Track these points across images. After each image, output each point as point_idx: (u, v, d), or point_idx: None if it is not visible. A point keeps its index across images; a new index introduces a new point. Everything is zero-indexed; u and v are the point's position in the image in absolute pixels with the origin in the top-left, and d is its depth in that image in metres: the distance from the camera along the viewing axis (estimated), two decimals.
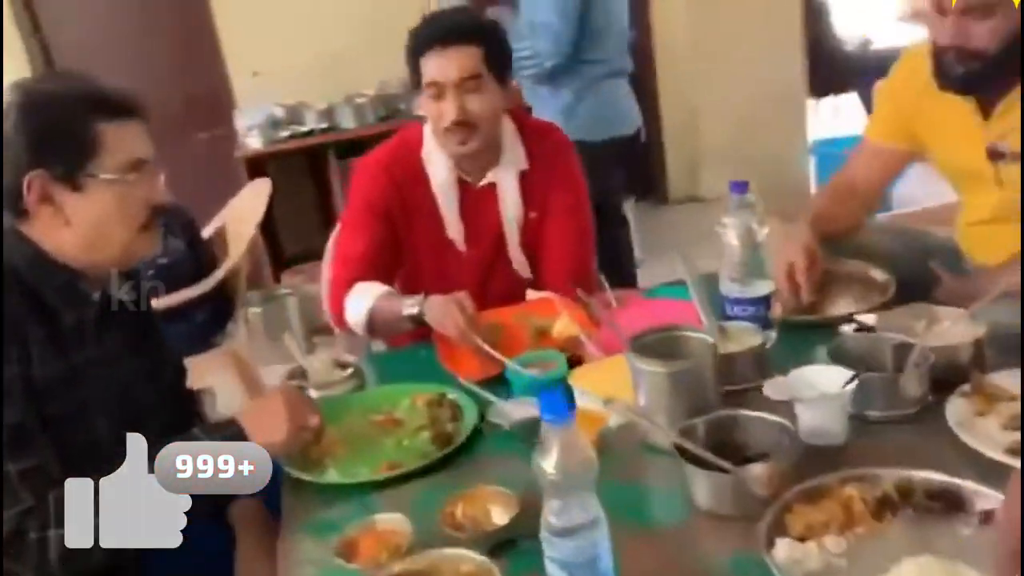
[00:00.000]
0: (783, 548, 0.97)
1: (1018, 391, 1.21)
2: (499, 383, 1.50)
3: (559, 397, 0.89)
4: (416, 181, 1.82)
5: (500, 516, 1.09)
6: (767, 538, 0.98)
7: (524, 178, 1.83)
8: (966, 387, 1.23)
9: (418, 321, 1.67)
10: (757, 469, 1.05)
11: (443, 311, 1.60)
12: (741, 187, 1.48)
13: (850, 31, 5.09)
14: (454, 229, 1.84)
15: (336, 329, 1.93)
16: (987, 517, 0.98)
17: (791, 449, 1.08)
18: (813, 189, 4.82)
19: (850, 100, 5.24)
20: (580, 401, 1.34)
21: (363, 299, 1.76)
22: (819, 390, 1.15)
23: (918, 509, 1.01)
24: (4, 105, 1.22)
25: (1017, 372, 1.25)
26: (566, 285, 1.83)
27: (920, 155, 1.91)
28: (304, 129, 3.74)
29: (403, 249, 1.86)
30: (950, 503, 1.01)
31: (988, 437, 1.13)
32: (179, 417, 1.47)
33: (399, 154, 1.84)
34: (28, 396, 1.19)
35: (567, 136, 1.94)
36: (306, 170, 3.93)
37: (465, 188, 1.83)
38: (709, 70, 4.54)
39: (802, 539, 0.99)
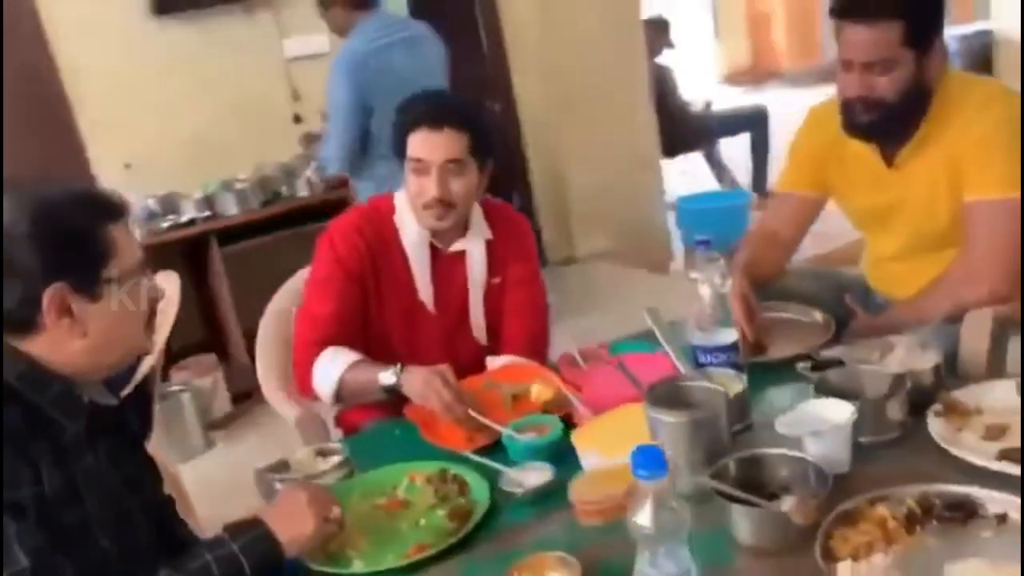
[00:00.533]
0: (844, 570, 1.05)
1: (979, 406, 1.37)
2: (488, 451, 1.52)
3: (655, 454, 0.93)
4: (388, 245, 1.87)
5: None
6: (825, 564, 1.06)
7: (488, 247, 1.91)
8: (937, 407, 1.37)
9: (393, 392, 1.68)
10: (797, 501, 1.13)
11: (426, 385, 1.61)
12: (705, 244, 1.59)
13: (693, 94, 5.52)
14: (425, 292, 1.89)
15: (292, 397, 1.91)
16: (1002, 519, 1.10)
17: (821, 479, 1.17)
18: (675, 243, 5.12)
19: (696, 159, 5.64)
20: (587, 461, 1.42)
21: (333, 365, 1.77)
22: (829, 422, 1.25)
23: (941, 520, 1.12)
24: (4, 218, 1.14)
25: (972, 390, 1.42)
26: (525, 352, 1.90)
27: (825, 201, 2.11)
28: (184, 219, 3.62)
29: (371, 312, 1.88)
30: (967, 511, 1.12)
31: (974, 448, 1.26)
32: (164, 527, 1.40)
33: (371, 218, 1.88)
34: (43, 517, 1.10)
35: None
36: (185, 261, 3.79)
37: (436, 253, 1.89)
38: (571, 138, 4.78)
39: (849, 558, 1.07)
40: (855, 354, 1.52)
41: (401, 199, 1.89)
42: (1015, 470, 1.17)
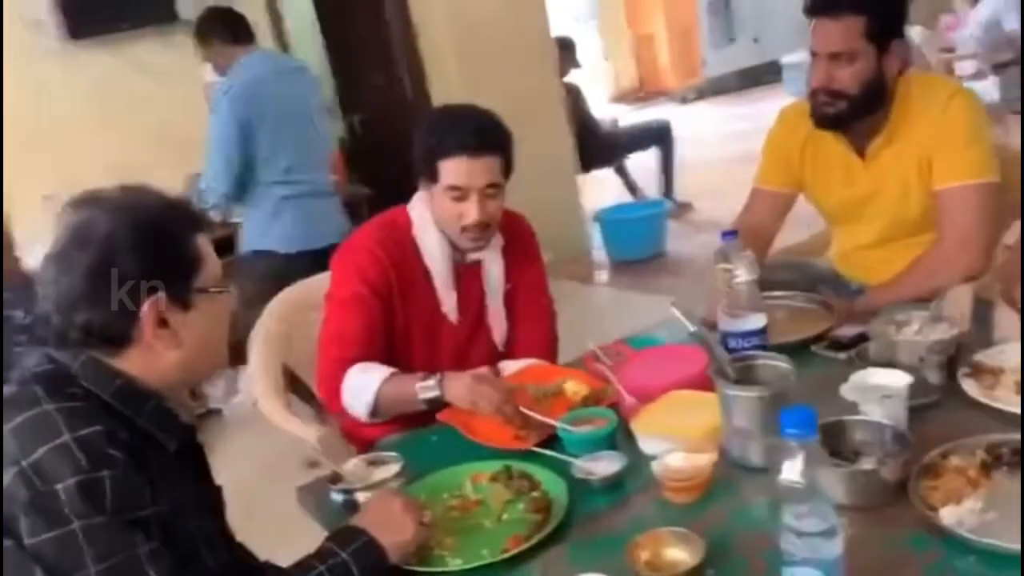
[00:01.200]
0: (948, 514, 1.14)
1: (1001, 366, 1.51)
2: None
3: (806, 415, 1.00)
4: (409, 259, 1.87)
5: (694, 553, 1.15)
6: (928, 511, 1.15)
7: (503, 254, 1.94)
8: (965, 369, 1.50)
9: (435, 403, 1.69)
10: (890, 462, 1.22)
11: (472, 390, 1.63)
12: (732, 235, 1.69)
13: (602, 113, 5.72)
14: (448, 304, 1.90)
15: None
16: None
17: (900, 439, 1.27)
18: (596, 252, 5.26)
19: (607, 173, 5.82)
20: (649, 447, 1.47)
21: (368, 381, 1.75)
22: (891, 388, 1.35)
23: (1010, 465, 1.23)
24: (104, 224, 1.11)
25: (988, 353, 1.56)
26: (540, 355, 1.94)
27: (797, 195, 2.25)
28: None
29: (396, 326, 1.87)
30: None
31: (1013, 401, 1.39)
32: (232, 544, 1.36)
33: (391, 234, 1.88)
34: (165, 537, 1.06)
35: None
36: None
37: (455, 264, 1.90)
38: None
39: (943, 505, 1.17)
40: (875, 330, 1.63)
41: (419, 214, 1.89)
42: None
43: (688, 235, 5.27)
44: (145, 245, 1.11)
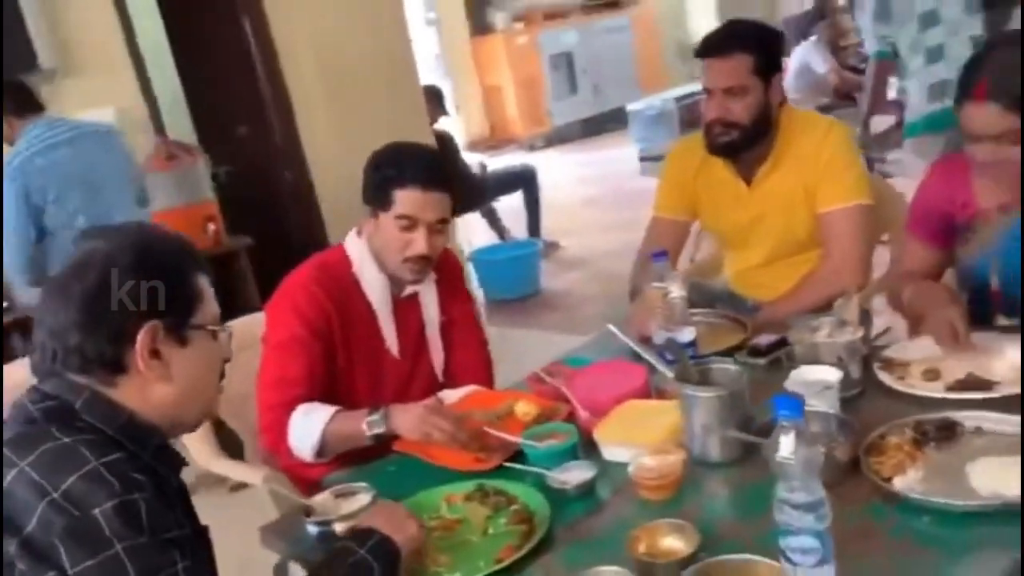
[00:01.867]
0: (900, 482, 1.30)
1: (904, 359, 1.71)
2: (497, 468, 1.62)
3: (795, 401, 1.12)
4: (351, 296, 1.90)
5: (689, 541, 1.25)
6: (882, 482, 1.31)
7: (436, 287, 2.00)
8: (878, 364, 1.70)
9: (381, 438, 1.72)
10: (841, 444, 1.37)
11: (423, 422, 1.67)
12: (662, 256, 1.83)
13: (472, 159, 5.88)
14: (390, 338, 1.93)
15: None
16: (978, 430, 1.42)
17: (846, 424, 1.43)
18: (476, 289, 5.35)
19: (475, 216, 5.97)
20: (612, 455, 1.57)
21: (312, 422, 1.76)
22: (827, 382, 1.52)
23: (937, 440, 1.42)
24: (105, 252, 1.12)
25: (892, 349, 1.76)
26: (480, 381, 2.01)
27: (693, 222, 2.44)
28: None
29: (338, 365, 1.89)
30: (952, 429, 1.43)
31: (924, 387, 1.59)
32: None
33: (329, 273, 1.90)
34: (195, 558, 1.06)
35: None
36: None
37: (393, 298, 1.94)
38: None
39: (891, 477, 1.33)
40: (795, 336, 1.81)
41: (357, 251, 1.93)
42: (965, 396, 1.51)
43: (559, 272, 5.48)
44: (145, 273, 1.12)
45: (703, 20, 8.82)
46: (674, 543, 1.26)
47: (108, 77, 4.18)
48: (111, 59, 4.23)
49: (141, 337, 1.11)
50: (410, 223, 1.83)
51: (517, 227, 5.89)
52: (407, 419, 1.70)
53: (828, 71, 6.68)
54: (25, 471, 1.02)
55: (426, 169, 1.84)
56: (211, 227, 3.98)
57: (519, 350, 2.21)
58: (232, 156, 5.03)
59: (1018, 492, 1.22)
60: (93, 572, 0.99)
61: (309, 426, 1.76)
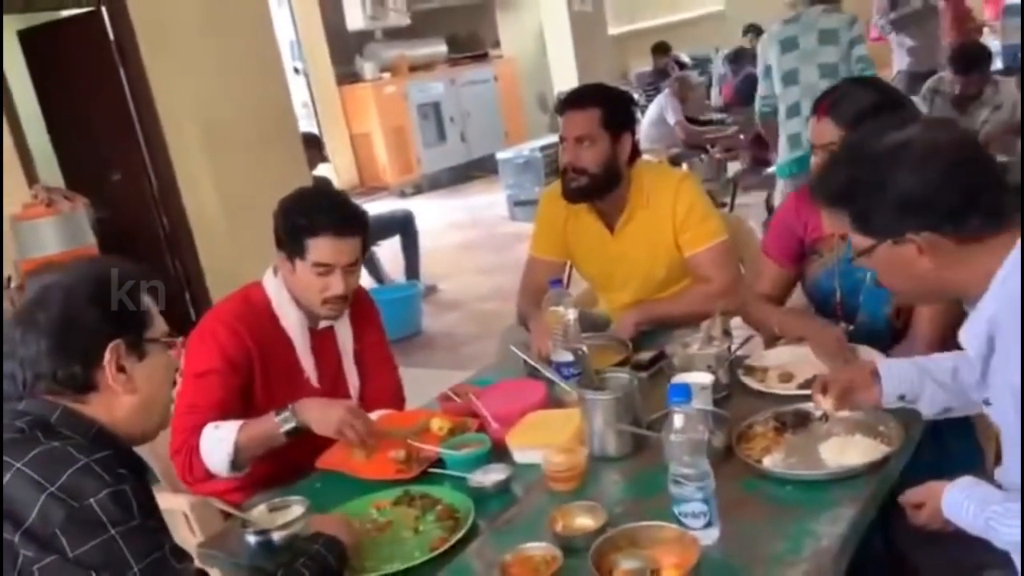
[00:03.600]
0: (768, 461, 1.56)
1: (764, 366, 2.01)
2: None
3: (683, 389, 1.36)
4: (270, 331, 2.02)
5: (598, 518, 1.46)
6: (753, 462, 1.57)
7: (350, 319, 2.15)
8: (741, 370, 1.98)
9: (296, 433, 1.85)
10: (718, 433, 1.63)
11: (333, 416, 1.82)
12: (558, 283, 2.07)
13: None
14: (309, 369, 2.06)
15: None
16: (825, 417, 1.71)
17: (721, 417, 1.69)
18: None
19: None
20: (522, 458, 1.77)
21: (223, 434, 1.88)
22: (702, 383, 1.78)
23: (793, 427, 1.70)
24: (62, 284, 1.26)
25: (753, 357, 2.06)
26: (392, 404, 2.17)
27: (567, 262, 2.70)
28: None
29: (256, 396, 2.00)
30: (804, 418, 1.71)
31: (780, 387, 1.88)
32: None
33: (249, 309, 2.02)
34: None
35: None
36: None
37: (311, 331, 2.08)
38: (244, 244, 4.95)
39: (760, 459, 1.59)
40: (672, 349, 2.07)
41: (273, 287, 2.05)
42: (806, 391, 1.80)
43: (438, 313, 5.67)
44: (102, 299, 1.26)
45: (562, 73, 9.32)
46: (586, 520, 1.47)
47: None
48: None
49: (108, 355, 1.25)
50: (326, 269, 1.95)
51: (395, 271, 6.05)
52: (323, 413, 1.84)
53: (676, 123, 7.25)
54: (22, 470, 1.14)
55: (337, 216, 1.96)
56: None
57: (408, 386, 2.40)
58: (106, 203, 4.98)
59: (856, 461, 1.51)
60: (92, 554, 1.12)
61: (221, 438, 1.86)
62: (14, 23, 5.36)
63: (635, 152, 2.51)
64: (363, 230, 2.02)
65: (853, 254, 1.40)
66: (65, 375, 1.24)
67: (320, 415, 1.84)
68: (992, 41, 7.21)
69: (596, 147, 2.40)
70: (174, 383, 1.41)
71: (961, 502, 1.36)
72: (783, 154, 4.36)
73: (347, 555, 1.45)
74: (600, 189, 2.44)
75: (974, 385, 1.42)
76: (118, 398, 1.28)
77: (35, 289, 1.28)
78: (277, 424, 1.85)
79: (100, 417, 1.27)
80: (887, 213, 1.30)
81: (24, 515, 1.12)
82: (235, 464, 1.89)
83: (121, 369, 1.27)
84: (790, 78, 4.20)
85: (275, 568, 1.37)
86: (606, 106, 2.41)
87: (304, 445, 1.89)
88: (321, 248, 1.95)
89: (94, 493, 1.13)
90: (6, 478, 1.14)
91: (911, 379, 1.57)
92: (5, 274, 3.87)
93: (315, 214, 1.96)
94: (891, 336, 2.06)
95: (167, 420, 1.41)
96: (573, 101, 2.46)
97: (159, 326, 1.35)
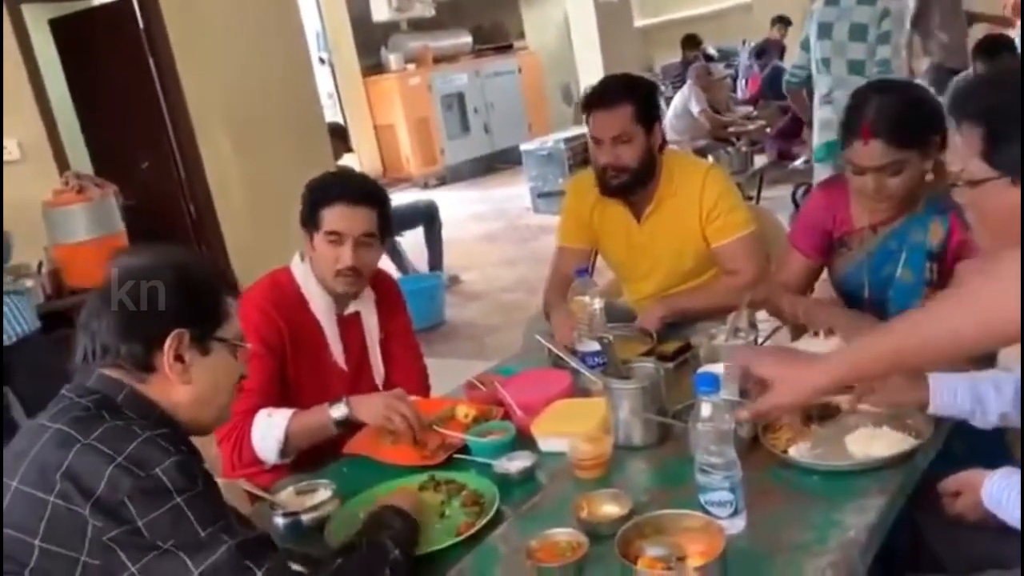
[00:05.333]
0: (794, 451, 1.56)
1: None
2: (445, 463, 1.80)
3: (712, 378, 1.36)
4: (300, 314, 2.05)
5: (623, 505, 1.46)
6: (780, 451, 1.56)
7: (376, 306, 2.17)
8: None
9: (345, 424, 1.88)
10: (746, 424, 1.62)
11: (386, 407, 1.84)
12: (584, 272, 2.07)
13: None
14: (337, 353, 2.08)
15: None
16: (851, 409, 1.70)
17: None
18: None
19: None
20: (547, 446, 1.78)
21: (275, 421, 1.90)
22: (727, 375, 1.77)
23: (820, 419, 1.69)
24: (146, 266, 1.31)
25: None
26: (418, 392, 2.18)
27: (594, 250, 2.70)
28: None
29: (288, 379, 2.03)
30: (832, 411, 1.71)
31: None
32: None
33: (280, 292, 2.05)
34: None
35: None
36: None
37: (338, 316, 2.10)
38: (269, 238, 5.00)
39: (786, 449, 1.59)
40: (698, 340, 2.07)
41: (302, 273, 2.07)
42: None
43: (461, 304, 5.69)
44: (178, 288, 1.30)
45: (587, 66, 9.30)
46: (611, 508, 1.47)
47: (10, 110, 4.16)
48: (14, 93, 4.22)
49: (168, 342, 1.29)
50: (337, 238, 1.98)
51: (418, 262, 6.07)
52: (371, 404, 1.87)
53: (699, 112, 7.22)
54: (89, 443, 1.18)
55: (351, 187, 2.01)
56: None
57: (431, 375, 2.42)
58: (134, 190, 5.04)
59: (883, 453, 1.50)
60: (160, 521, 1.15)
61: (273, 424, 1.89)
62: (46, 11, 5.43)
63: (663, 140, 2.51)
64: (379, 205, 2.04)
65: (963, 180, 1.36)
66: (128, 352, 1.28)
67: (369, 407, 1.87)
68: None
69: (634, 144, 2.38)
70: (239, 388, 1.43)
71: (1003, 491, 1.35)
72: (817, 138, 4.38)
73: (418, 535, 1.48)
74: (642, 182, 2.44)
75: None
76: (172, 385, 1.31)
77: (118, 268, 1.32)
78: (329, 414, 1.87)
79: (160, 400, 1.31)
80: (1020, 149, 1.25)
81: (93, 486, 1.15)
82: (284, 452, 1.91)
83: (179, 359, 1.31)
84: (823, 65, 4.23)
85: (356, 537, 1.39)
86: (636, 101, 2.39)
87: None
88: (333, 216, 1.98)
89: (159, 462, 1.18)
90: (72, 452, 1.18)
91: (964, 404, 1.55)
92: (36, 259, 3.93)
93: (331, 186, 2.02)
94: None
95: (222, 419, 1.44)
96: (602, 100, 2.41)
97: (232, 328, 1.39)
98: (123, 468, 1.16)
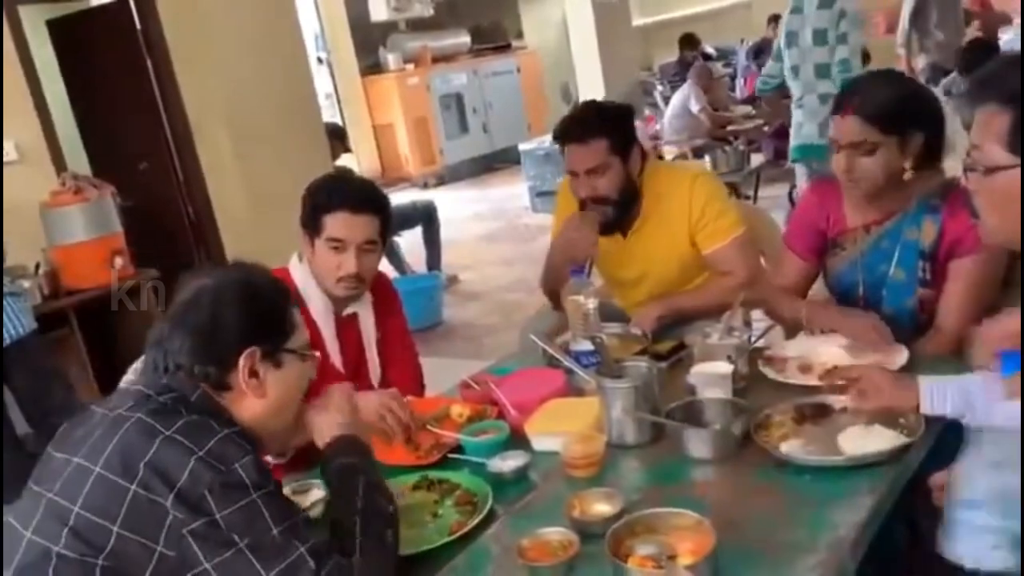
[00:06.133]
0: (786, 448, 1.56)
1: (783, 356, 2.00)
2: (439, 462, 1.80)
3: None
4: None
5: (615, 504, 1.46)
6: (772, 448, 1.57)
7: (372, 308, 2.18)
8: (761, 360, 1.97)
9: None
10: (736, 423, 1.63)
11: (379, 406, 1.84)
12: (580, 272, 2.08)
13: None
14: (334, 355, 2.09)
15: None
16: (844, 409, 1.70)
17: (739, 407, 1.69)
18: None
19: None
20: (541, 445, 1.78)
21: None
22: (721, 373, 1.78)
23: (813, 418, 1.69)
24: (214, 288, 1.35)
25: (775, 347, 2.05)
26: (413, 392, 2.19)
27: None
28: None
29: None
30: (825, 409, 1.71)
31: (800, 378, 1.88)
32: None
33: None
34: None
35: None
36: None
37: (335, 318, 2.10)
38: (268, 237, 5.00)
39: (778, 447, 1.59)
40: (692, 339, 2.07)
41: (300, 274, 2.08)
42: (834, 383, 1.79)
43: (459, 304, 5.70)
44: (247, 308, 1.34)
45: (586, 65, 9.30)
46: (603, 507, 1.48)
47: (8, 111, 4.17)
48: (12, 94, 4.22)
49: (242, 361, 1.33)
50: (339, 245, 1.99)
51: (417, 262, 6.08)
52: (363, 404, 1.83)
53: (700, 110, 7.22)
54: (171, 436, 1.22)
55: (354, 193, 2.01)
56: (118, 260, 4.00)
57: (428, 375, 2.43)
58: (132, 191, 5.05)
59: (875, 449, 1.51)
60: (236, 516, 1.19)
61: None
62: (43, 12, 5.43)
63: (642, 157, 2.47)
64: (381, 211, 2.04)
65: (981, 165, 1.34)
66: (201, 372, 1.33)
67: (362, 402, 1.86)
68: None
69: (610, 175, 2.37)
70: (307, 393, 1.48)
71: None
72: (792, 140, 4.64)
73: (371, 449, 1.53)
74: (623, 210, 2.43)
75: None
76: (247, 399, 1.36)
77: (189, 289, 1.36)
78: None
79: (233, 414, 1.35)
80: None
81: (176, 477, 1.19)
82: (282, 452, 1.90)
83: (254, 374, 1.35)
84: (793, 72, 4.56)
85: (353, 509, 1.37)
86: (609, 132, 2.36)
87: None
88: (336, 223, 1.99)
89: (238, 459, 1.22)
90: (155, 445, 1.20)
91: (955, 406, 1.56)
92: (34, 260, 3.93)
93: (333, 192, 2.02)
94: (915, 329, 2.05)
95: (287, 430, 1.47)
96: (575, 134, 2.38)
97: (300, 338, 1.43)
98: (205, 462, 1.19)
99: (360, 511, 1.33)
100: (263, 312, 1.37)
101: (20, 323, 3.22)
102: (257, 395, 1.36)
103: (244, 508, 1.20)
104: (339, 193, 2.01)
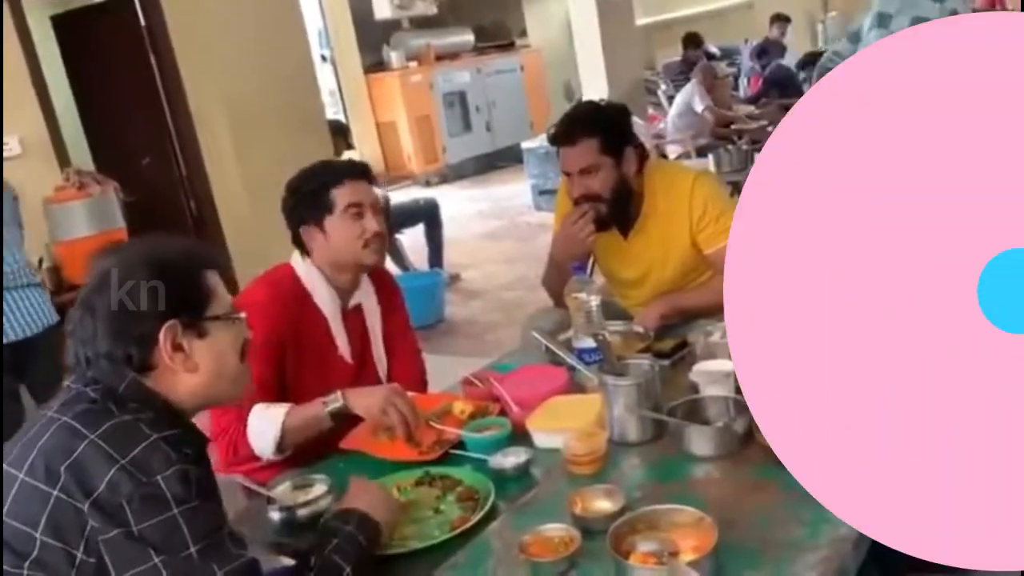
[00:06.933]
0: None
1: None
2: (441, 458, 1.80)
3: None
4: (304, 309, 2.06)
5: (616, 501, 1.47)
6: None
7: (377, 297, 2.19)
8: None
9: (340, 416, 1.88)
10: (738, 420, 1.63)
11: (382, 401, 1.84)
12: (581, 269, 2.07)
13: None
14: (343, 346, 2.10)
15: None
16: None
17: (741, 405, 1.68)
18: None
19: None
20: (543, 442, 1.78)
21: (270, 416, 1.90)
22: (724, 371, 1.78)
23: None
24: (119, 266, 1.28)
25: None
26: (416, 387, 2.19)
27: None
28: None
29: (289, 375, 2.03)
30: None
31: None
32: None
33: (283, 289, 2.05)
34: None
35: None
36: None
37: (342, 310, 2.11)
38: (271, 236, 5.00)
39: None
40: (694, 338, 2.08)
41: (305, 269, 2.08)
42: None
43: (461, 302, 5.70)
44: (158, 279, 1.28)
45: (589, 64, 9.29)
46: (604, 503, 1.48)
47: (12, 106, 4.18)
48: (16, 89, 4.23)
49: (162, 336, 1.27)
50: (359, 210, 2.03)
51: (419, 260, 6.08)
52: (366, 398, 1.87)
53: (704, 109, 7.22)
54: (94, 441, 1.18)
55: (347, 165, 2.13)
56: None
57: (430, 372, 2.44)
58: (135, 187, 5.05)
59: None
60: (153, 531, 1.15)
61: (269, 419, 1.89)
62: (47, 8, 5.44)
63: (642, 157, 2.47)
64: (372, 177, 2.14)
65: None
66: (122, 355, 1.27)
67: (365, 399, 1.87)
68: None
69: (601, 174, 2.36)
70: (243, 354, 1.40)
71: None
72: None
73: (381, 532, 1.45)
74: (618, 210, 2.42)
75: None
76: (179, 376, 1.30)
77: (95, 273, 1.30)
78: (323, 406, 1.87)
79: (163, 391, 1.30)
80: None
81: (94, 485, 1.15)
82: (280, 447, 1.91)
83: (179, 348, 1.30)
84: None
85: (307, 551, 1.36)
86: (601, 132, 2.36)
87: (332, 428, 1.91)
88: (348, 191, 2.03)
89: (161, 470, 1.17)
90: (80, 448, 1.17)
91: None
92: (37, 256, 3.94)
93: (331, 168, 2.10)
94: None
95: (235, 396, 1.43)
96: (565, 137, 2.39)
97: (222, 303, 1.36)
98: (126, 471, 1.15)
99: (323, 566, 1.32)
100: (174, 283, 1.29)
101: (45, 314, 3.21)
102: (188, 369, 1.30)
103: (161, 523, 1.15)
104: (335, 167, 2.11)
